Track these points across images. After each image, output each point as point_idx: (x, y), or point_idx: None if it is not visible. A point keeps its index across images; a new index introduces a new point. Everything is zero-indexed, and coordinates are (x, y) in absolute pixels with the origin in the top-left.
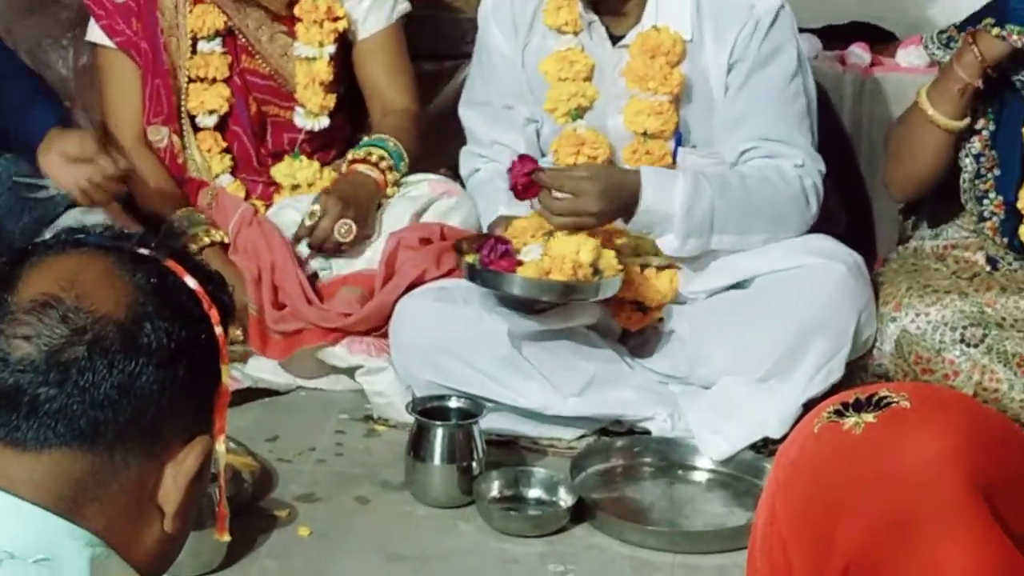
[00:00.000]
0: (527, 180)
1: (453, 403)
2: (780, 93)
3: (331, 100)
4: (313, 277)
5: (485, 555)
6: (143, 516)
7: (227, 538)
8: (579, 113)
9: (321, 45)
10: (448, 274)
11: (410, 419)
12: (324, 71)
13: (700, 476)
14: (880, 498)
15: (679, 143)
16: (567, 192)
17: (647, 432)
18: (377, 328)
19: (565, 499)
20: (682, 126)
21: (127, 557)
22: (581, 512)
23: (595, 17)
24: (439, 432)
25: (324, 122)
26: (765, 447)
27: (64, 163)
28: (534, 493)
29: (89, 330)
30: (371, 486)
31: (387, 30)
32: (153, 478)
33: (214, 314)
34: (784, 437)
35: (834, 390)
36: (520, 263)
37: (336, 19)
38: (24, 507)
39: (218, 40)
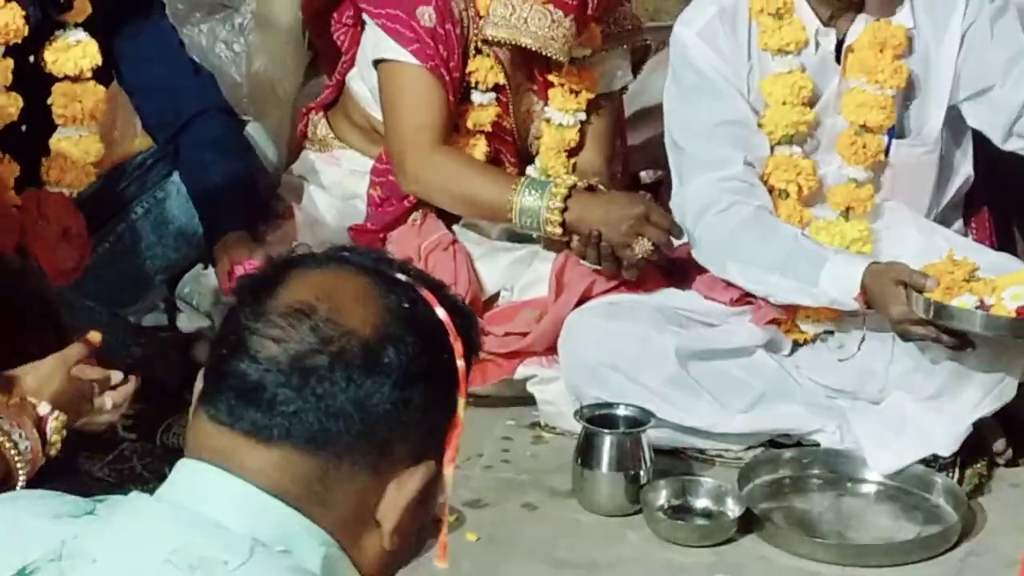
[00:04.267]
0: None
1: (621, 411)
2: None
3: (571, 164)
4: (493, 299)
5: (652, 564)
6: (364, 529)
7: (444, 565)
8: (795, 139)
9: (574, 112)
10: (617, 288)
11: (578, 428)
12: (573, 139)
13: (869, 489)
14: None
15: (893, 136)
16: None
17: (816, 444)
18: (554, 346)
19: (733, 509)
20: (897, 119)
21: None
22: (749, 523)
23: (831, 31)
24: (607, 440)
25: None
26: (935, 461)
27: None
28: (702, 503)
29: (335, 342)
30: (538, 493)
31: (609, 96)
32: (376, 494)
33: (458, 347)
34: (953, 455)
35: (1005, 410)
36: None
37: (591, 87)
38: (266, 498)
39: (492, 94)
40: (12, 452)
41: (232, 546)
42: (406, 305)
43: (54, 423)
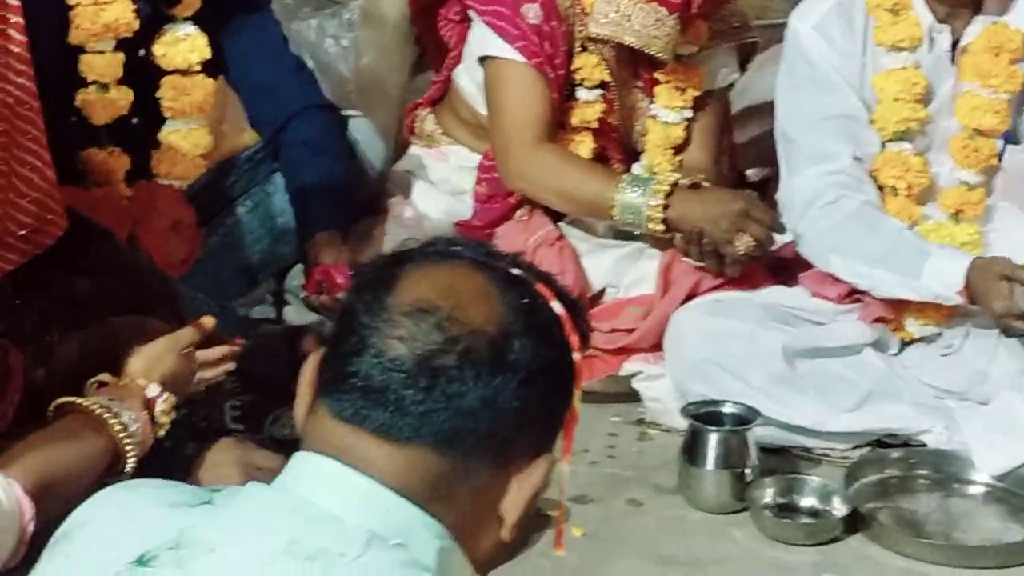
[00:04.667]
0: None
1: (727, 408)
2: None
3: (677, 161)
4: (599, 296)
5: (757, 562)
6: (484, 522)
7: (562, 553)
8: (906, 136)
9: (680, 110)
10: (724, 285)
11: (683, 425)
12: (680, 136)
13: (976, 490)
14: None
15: (1008, 141)
16: None
17: (922, 444)
18: (660, 343)
19: (839, 508)
20: (1012, 124)
21: (467, 556)
22: (855, 522)
23: (945, 27)
24: (714, 437)
25: None
26: None
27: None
28: (808, 502)
29: (462, 341)
30: (643, 489)
31: (715, 93)
32: (498, 488)
33: (574, 340)
34: None
35: None
36: None
37: (698, 85)
38: (385, 493)
39: (598, 91)
40: (122, 435)
41: (349, 539)
42: (525, 300)
43: (163, 405)
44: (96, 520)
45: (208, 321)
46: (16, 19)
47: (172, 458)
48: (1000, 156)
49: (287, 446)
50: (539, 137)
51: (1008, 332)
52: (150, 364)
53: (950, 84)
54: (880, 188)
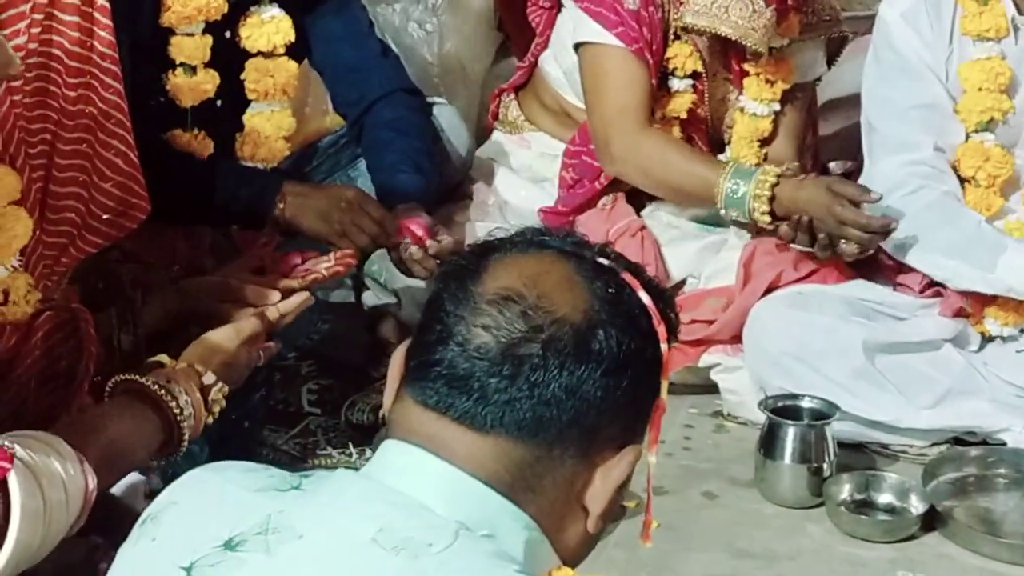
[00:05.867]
0: None
1: (805, 403)
2: None
3: (763, 154)
4: (680, 286)
5: (833, 558)
6: (569, 513)
7: (649, 544)
8: (990, 126)
9: (769, 102)
10: (805, 278)
11: (761, 418)
12: (767, 129)
13: None
14: None
15: None
16: None
17: (1002, 443)
18: (739, 334)
19: (916, 506)
20: None
21: (553, 548)
22: (932, 520)
23: None
24: (791, 431)
25: None
26: None
27: None
28: (885, 498)
29: (546, 329)
30: (719, 482)
31: (803, 86)
32: (583, 478)
33: (662, 331)
34: None
35: None
36: None
37: (787, 77)
38: (471, 482)
39: (689, 81)
40: (178, 417)
41: (437, 529)
42: (611, 290)
43: (216, 394)
44: (184, 502)
45: (272, 312)
46: (101, 1)
47: (251, 439)
48: None
49: (364, 431)
50: (641, 122)
51: None
52: (209, 352)
53: None
54: (962, 180)
